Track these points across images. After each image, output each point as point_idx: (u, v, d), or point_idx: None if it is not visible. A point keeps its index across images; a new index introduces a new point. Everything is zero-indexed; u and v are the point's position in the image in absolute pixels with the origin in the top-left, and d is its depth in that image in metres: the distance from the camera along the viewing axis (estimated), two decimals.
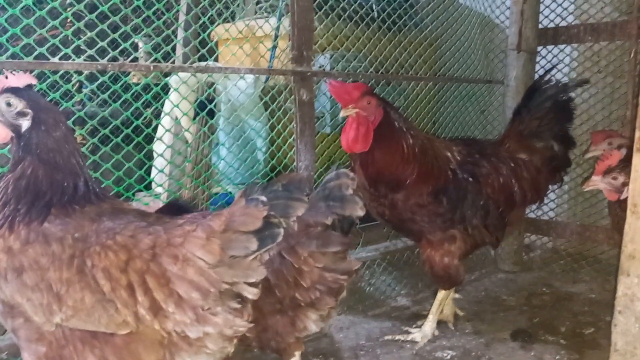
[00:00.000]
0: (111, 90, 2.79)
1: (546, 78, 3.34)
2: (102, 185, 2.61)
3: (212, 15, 3.10)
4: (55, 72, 2.42)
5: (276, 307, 2.24)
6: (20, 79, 1.89)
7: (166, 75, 3.67)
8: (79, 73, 3.33)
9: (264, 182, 1.69)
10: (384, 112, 2.89)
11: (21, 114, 1.85)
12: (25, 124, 1.85)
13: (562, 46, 4.37)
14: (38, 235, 1.72)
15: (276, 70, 3.27)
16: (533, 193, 3.31)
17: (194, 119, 3.48)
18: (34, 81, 1.93)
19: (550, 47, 4.38)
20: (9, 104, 1.84)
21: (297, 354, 2.44)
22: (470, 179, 3.09)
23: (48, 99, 2.37)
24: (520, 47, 4.14)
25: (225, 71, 2.90)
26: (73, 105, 3.54)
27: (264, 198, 1.62)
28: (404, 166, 2.93)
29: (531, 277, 4.33)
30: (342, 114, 2.85)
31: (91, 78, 2.89)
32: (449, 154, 3.10)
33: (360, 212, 2.15)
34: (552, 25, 4.31)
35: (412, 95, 4.04)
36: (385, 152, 2.91)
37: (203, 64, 3.09)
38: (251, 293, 1.68)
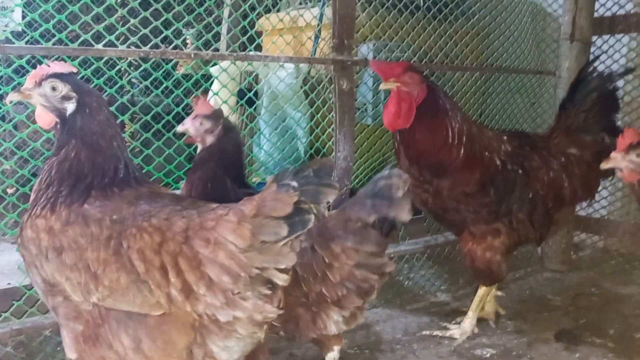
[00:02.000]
0: (151, 78, 2.82)
1: (590, 69, 3.20)
2: (144, 171, 2.67)
3: (255, 6, 3.10)
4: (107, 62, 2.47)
5: (300, 301, 2.21)
6: (63, 67, 1.94)
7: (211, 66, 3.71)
8: (133, 69, 3.41)
9: (295, 168, 1.66)
10: (427, 89, 2.81)
11: (66, 98, 1.89)
12: (70, 107, 1.89)
13: (619, 36, 4.15)
14: (78, 216, 1.76)
15: (316, 58, 3.24)
16: (584, 190, 3.18)
17: (235, 107, 3.50)
18: (75, 69, 1.97)
19: (606, 37, 4.17)
20: (54, 89, 1.88)
21: (336, 348, 2.41)
22: (520, 172, 2.99)
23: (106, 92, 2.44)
24: (573, 36, 3.97)
25: (265, 59, 2.90)
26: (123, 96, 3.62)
27: (294, 184, 1.60)
28: (447, 149, 2.84)
29: (579, 277, 4.16)
30: (382, 86, 2.79)
31: (142, 74, 2.93)
32: (499, 144, 3.01)
33: (406, 217, 2.08)
34: (608, 13, 4.10)
35: (458, 85, 3.93)
36: (426, 132, 2.83)
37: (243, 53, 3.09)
38: (281, 279, 1.67)
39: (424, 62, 3.55)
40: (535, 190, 3.02)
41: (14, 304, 2.39)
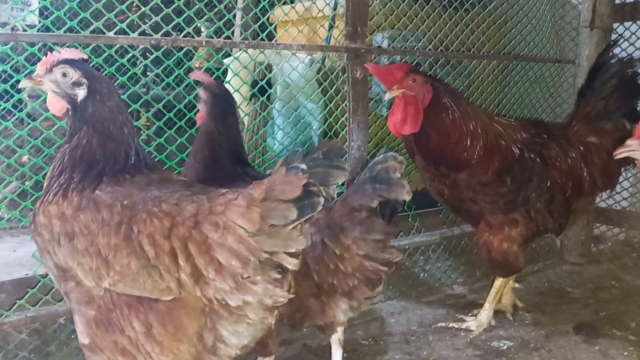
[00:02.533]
0: (162, 66, 2.82)
1: (609, 54, 3.11)
2: (165, 167, 2.68)
3: None
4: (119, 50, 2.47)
5: (312, 291, 2.22)
6: (74, 53, 1.94)
7: (224, 57, 3.70)
8: (145, 57, 3.41)
9: (304, 150, 1.64)
10: (432, 89, 2.77)
11: (77, 84, 1.89)
12: (81, 93, 1.89)
13: None
14: (89, 202, 1.76)
15: (329, 46, 3.22)
16: (603, 179, 3.10)
17: (249, 98, 3.49)
18: (86, 56, 1.97)
19: (627, 24, 4.07)
20: (64, 75, 1.88)
21: (340, 329, 2.42)
22: (538, 160, 2.93)
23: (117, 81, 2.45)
24: (593, 24, 3.87)
25: (278, 47, 2.87)
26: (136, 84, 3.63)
27: (303, 166, 1.58)
28: (461, 145, 2.80)
29: (599, 270, 4.07)
30: (387, 96, 2.75)
31: (156, 61, 2.93)
32: (514, 132, 2.96)
33: (407, 196, 2.06)
34: None
35: (475, 74, 3.87)
36: (439, 132, 2.79)
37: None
38: (291, 263, 1.65)
39: (439, 50, 3.50)
40: (554, 179, 2.96)
41: (28, 292, 2.40)
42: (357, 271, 2.16)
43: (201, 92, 2.43)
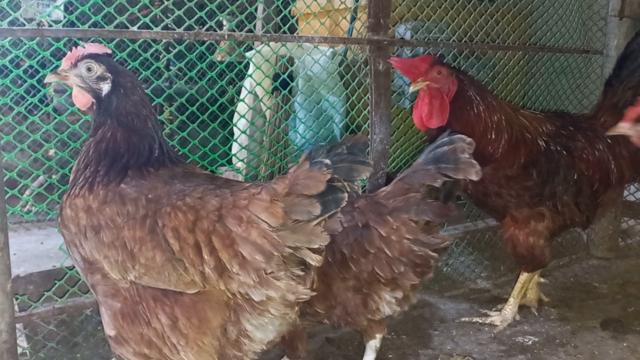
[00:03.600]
0: (184, 60, 2.83)
1: (638, 42, 3.02)
2: (188, 161, 2.69)
3: None
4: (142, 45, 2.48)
5: (348, 284, 2.16)
6: (98, 48, 1.96)
7: (246, 50, 3.70)
8: (168, 52, 3.42)
9: (328, 145, 1.63)
10: (457, 81, 2.73)
11: (101, 78, 1.92)
12: (105, 87, 1.92)
13: None
14: (115, 195, 1.78)
15: (351, 39, 3.18)
16: (632, 171, 3.04)
17: (271, 92, 3.49)
18: (110, 51, 1.99)
19: None
20: (89, 69, 1.91)
21: (379, 336, 2.37)
22: (564, 152, 2.89)
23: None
24: (623, 12, 3.78)
25: (300, 40, 2.86)
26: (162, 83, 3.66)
27: (327, 161, 1.57)
28: (487, 138, 2.77)
29: (627, 265, 3.99)
30: (411, 89, 2.72)
31: (178, 55, 2.95)
32: (540, 125, 2.91)
33: (475, 176, 2.03)
34: None
35: (500, 66, 3.80)
36: (465, 125, 2.74)
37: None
38: (314, 260, 1.65)
39: (463, 41, 3.44)
40: (580, 171, 2.91)
41: (56, 284, 2.45)
42: (404, 256, 2.10)
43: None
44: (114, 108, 1.91)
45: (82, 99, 1.95)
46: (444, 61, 2.87)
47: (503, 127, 2.78)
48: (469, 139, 2.06)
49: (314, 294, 1.74)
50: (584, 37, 4.19)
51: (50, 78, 1.94)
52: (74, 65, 1.91)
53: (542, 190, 2.83)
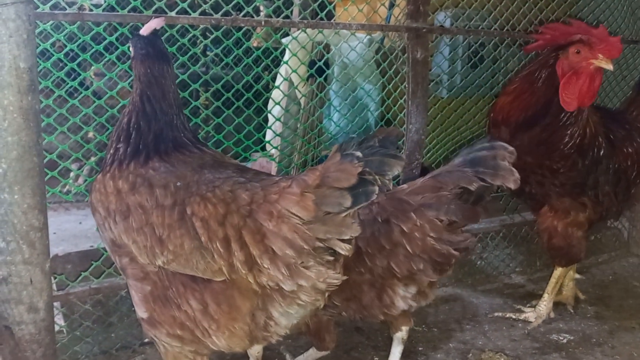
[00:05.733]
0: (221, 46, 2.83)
1: None
2: (223, 146, 2.71)
3: None
4: (180, 30, 2.50)
5: (364, 277, 2.15)
6: (146, 28, 2.00)
7: (282, 37, 3.67)
8: (205, 37, 3.43)
9: (360, 137, 1.60)
10: None
11: (132, 58, 2.00)
12: (133, 66, 1.99)
13: None
14: (144, 181, 1.80)
15: (390, 26, 3.12)
16: None
17: (306, 79, 3.46)
18: (156, 25, 2.01)
19: None
20: (129, 49, 2.00)
21: (405, 329, 2.36)
22: (606, 142, 2.82)
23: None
24: None
25: (337, 27, 2.82)
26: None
27: (359, 154, 1.54)
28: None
29: None
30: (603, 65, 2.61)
31: (215, 41, 2.95)
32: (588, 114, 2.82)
33: (513, 185, 2.00)
34: None
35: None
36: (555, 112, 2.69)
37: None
38: (344, 249, 1.63)
39: (505, 30, 3.34)
40: (619, 161, 2.87)
41: (92, 264, 2.50)
42: (425, 253, 2.08)
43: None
44: (136, 89, 1.96)
45: None
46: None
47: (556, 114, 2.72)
48: (511, 149, 2.04)
49: (345, 277, 1.72)
50: (633, 27, 4.03)
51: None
52: None
53: (585, 180, 2.77)
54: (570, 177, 2.75)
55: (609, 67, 2.59)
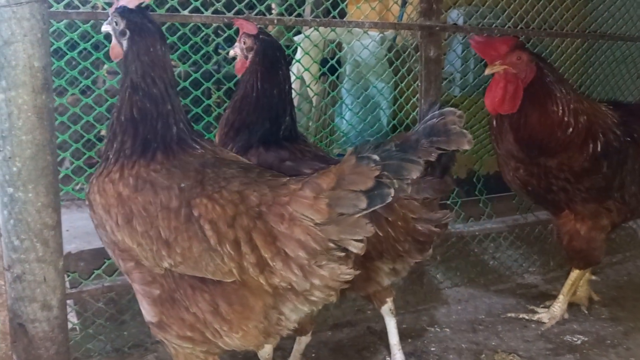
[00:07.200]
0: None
1: None
2: None
3: None
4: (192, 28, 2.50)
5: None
6: (131, 1, 1.87)
7: (294, 35, 3.67)
8: (217, 36, 3.44)
9: (376, 141, 1.59)
10: (536, 68, 2.64)
11: (122, 34, 1.85)
12: (125, 44, 1.86)
13: None
14: (146, 183, 1.74)
15: (402, 24, 3.11)
16: None
17: (318, 77, 3.45)
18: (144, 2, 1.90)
19: None
20: (116, 22, 1.86)
21: (389, 300, 2.40)
22: (630, 141, 2.79)
23: None
24: None
25: (349, 25, 2.81)
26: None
27: (376, 157, 1.53)
28: (561, 128, 2.68)
29: None
30: (487, 71, 2.63)
31: (227, 40, 2.95)
32: (607, 116, 2.81)
33: (467, 146, 1.95)
34: None
35: (557, 53, 3.65)
36: (540, 114, 2.66)
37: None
38: (357, 247, 1.62)
39: (519, 27, 3.31)
40: None
41: (105, 262, 2.51)
42: (409, 235, 2.11)
43: (249, 40, 2.31)
44: (127, 69, 1.84)
45: (115, 51, 1.90)
46: (525, 46, 2.77)
47: (578, 118, 2.68)
48: (459, 112, 1.99)
49: (357, 272, 1.71)
50: None
51: (105, 28, 1.91)
52: (110, 17, 1.88)
53: (611, 182, 2.74)
54: (595, 180, 2.71)
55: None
